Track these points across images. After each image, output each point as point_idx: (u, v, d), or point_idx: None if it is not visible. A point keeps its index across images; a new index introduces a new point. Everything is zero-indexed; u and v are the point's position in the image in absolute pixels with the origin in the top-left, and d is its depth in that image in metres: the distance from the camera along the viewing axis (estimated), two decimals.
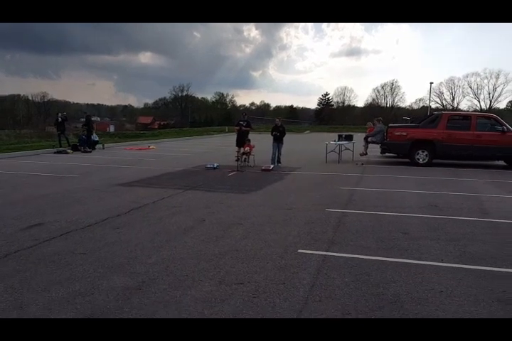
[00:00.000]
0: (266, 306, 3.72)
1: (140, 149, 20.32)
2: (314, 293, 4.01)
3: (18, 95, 76.22)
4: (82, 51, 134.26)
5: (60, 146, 18.79)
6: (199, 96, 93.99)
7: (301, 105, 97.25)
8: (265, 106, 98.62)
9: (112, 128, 64.27)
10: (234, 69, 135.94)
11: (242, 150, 13.86)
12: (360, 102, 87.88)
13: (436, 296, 4.00)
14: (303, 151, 19.68)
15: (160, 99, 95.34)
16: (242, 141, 14.06)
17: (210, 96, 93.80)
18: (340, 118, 70.16)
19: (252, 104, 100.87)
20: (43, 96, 79.50)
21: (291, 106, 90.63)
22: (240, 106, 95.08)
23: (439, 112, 15.61)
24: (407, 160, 14.69)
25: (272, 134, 14.51)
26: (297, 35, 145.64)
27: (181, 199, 8.33)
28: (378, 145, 15.58)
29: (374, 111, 67.26)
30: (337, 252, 5.21)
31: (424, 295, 4.02)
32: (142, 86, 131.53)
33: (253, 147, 14.32)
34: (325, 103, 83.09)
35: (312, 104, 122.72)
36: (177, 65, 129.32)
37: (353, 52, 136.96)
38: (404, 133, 14.21)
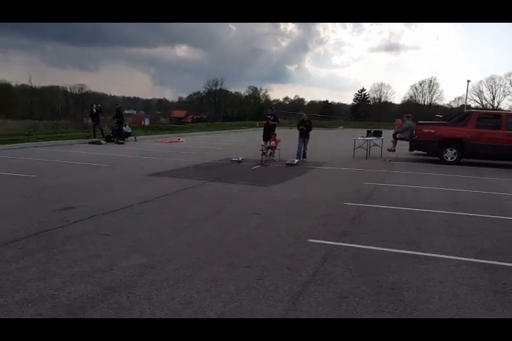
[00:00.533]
0: (268, 287, 3.96)
1: (170, 142, 20.85)
2: (316, 278, 4.22)
3: (58, 86, 78.58)
4: (120, 44, 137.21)
5: (95, 137, 19.53)
6: (233, 90, 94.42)
7: (336, 100, 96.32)
8: (299, 101, 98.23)
9: (146, 122, 65.43)
10: (269, 63, 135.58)
11: (267, 144, 14.08)
12: (397, 99, 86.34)
13: (434, 285, 4.13)
14: (332, 147, 19.72)
15: (194, 93, 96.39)
16: (268, 135, 14.27)
17: (243, 91, 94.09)
18: (376, 115, 69.15)
19: (286, 98, 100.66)
20: (81, 88, 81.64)
21: (326, 102, 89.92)
22: (274, 100, 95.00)
23: (469, 110, 15.36)
24: (436, 158, 14.55)
25: (298, 129, 14.67)
26: (335, 29, 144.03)
27: (203, 190, 8.66)
28: (407, 142, 15.47)
29: (411, 108, 66.02)
30: (347, 243, 5.37)
31: (423, 283, 4.17)
32: (178, 79, 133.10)
33: (279, 141, 14.51)
34: (361, 99, 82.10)
35: (348, 99, 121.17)
36: (212, 59, 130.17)
37: (391, 47, 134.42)
38: (433, 131, 14.08)
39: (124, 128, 20.95)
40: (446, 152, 14.05)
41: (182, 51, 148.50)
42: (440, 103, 75.78)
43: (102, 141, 18.68)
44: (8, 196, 7.54)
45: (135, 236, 5.42)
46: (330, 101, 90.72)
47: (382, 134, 16.23)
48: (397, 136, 15.38)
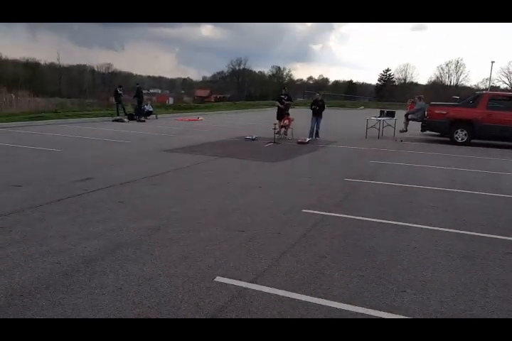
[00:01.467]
0: (257, 247, 4.48)
1: (190, 120, 21.41)
2: (301, 241, 4.72)
3: (84, 65, 79.76)
4: (145, 23, 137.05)
5: (118, 115, 20.23)
6: (256, 70, 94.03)
7: (361, 80, 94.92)
8: (324, 81, 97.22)
9: (171, 101, 65.84)
10: (293, 42, 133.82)
11: (281, 123, 14.46)
12: (422, 80, 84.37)
13: (408, 250, 4.58)
14: (347, 126, 19.95)
15: (218, 73, 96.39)
16: (282, 114, 14.63)
17: (267, 70, 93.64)
18: (401, 96, 67.94)
19: (310, 78, 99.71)
20: (108, 68, 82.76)
21: (351, 81, 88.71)
22: (298, 80, 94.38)
23: (481, 92, 15.33)
24: (448, 138, 14.69)
25: (311, 108, 14.98)
26: None
27: (214, 165, 9.20)
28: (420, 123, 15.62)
29: (437, 89, 64.64)
30: (337, 213, 5.84)
31: (398, 248, 4.62)
32: (202, 59, 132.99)
33: (292, 120, 14.86)
34: (386, 79, 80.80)
35: (373, 79, 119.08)
36: (237, 38, 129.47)
37: (418, 26, 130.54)
38: (444, 112, 14.19)
39: (145, 106, 21.62)
40: (456, 133, 14.18)
41: (207, 30, 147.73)
42: (467, 84, 73.75)
43: (125, 119, 19.38)
44: (35, 167, 8.24)
45: (145, 203, 6.01)
46: (354, 81, 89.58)
47: (396, 115, 16.36)
48: (409, 116, 15.52)
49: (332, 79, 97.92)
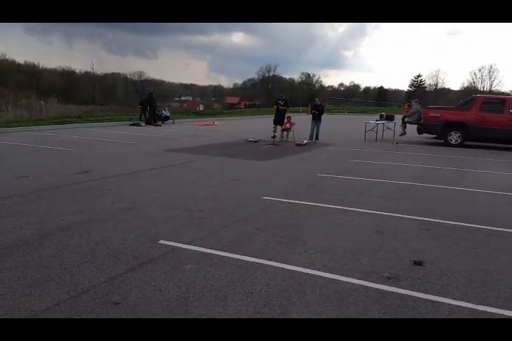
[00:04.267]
0: (206, 222, 5.39)
1: (205, 125, 22.56)
2: (246, 219, 5.60)
3: (118, 73, 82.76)
4: (177, 31, 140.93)
5: (140, 120, 21.46)
6: (287, 76, 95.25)
7: (393, 86, 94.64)
8: (354, 87, 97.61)
9: (201, 108, 67.38)
10: (325, 48, 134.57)
11: (279, 127, 15.31)
12: (454, 85, 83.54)
13: (330, 226, 5.40)
14: (352, 130, 20.57)
15: (249, 80, 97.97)
16: (279, 119, 15.46)
17: (297, 77, 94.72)
18: (433, 102, 67.41)
19: (341, 84, 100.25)
20: (140, 75, 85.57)
21: (381, 88, 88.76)
22: (328, 86, 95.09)
23: (475, 95, 15.78)
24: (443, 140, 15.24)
25: (311, 112, 15.82)
26: None
27: (206, 162, 10.18)
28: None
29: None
30: (290, 200, 6.68)
31: (322, 225, 5.44)
32: (233, 66, 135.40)
33: (293, 124, 15.73)
34: (417, 85, 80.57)
35: (405, 85, 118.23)
36: (268, 45, 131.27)
37: (451, 32, 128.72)
38: (438, 115, 14.75)
39: (163, 112, 22.96)
40: (450, 135, 14.72)
41: (238, 38, 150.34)
42: (501, 89, 72.45)
43: (142, 123, 20.70)
44: (46, 163, 9.44)
45: (129, 192, 7.03)
46: (386, 88, 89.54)
47: (395, 118, 16.97)
48: (405, 119, 16.13)
49: (363, 85, 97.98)
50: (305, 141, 14.50)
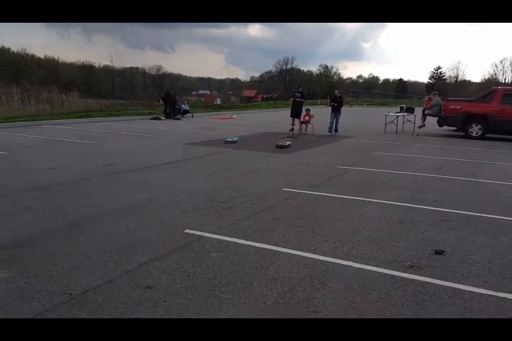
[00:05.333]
0: (228, 212, 5.54)
1: (223, 118, 22.71)
2: (268, 210, 5.73)
3: (137, 68, 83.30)
4: (195, 25, 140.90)
5: (164, 113, 21.66)
6: (304, 68, 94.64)
7: (412, 79, 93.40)
8: (373, 79, 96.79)
9: (218, 101, 67.41)
10: (343, 40, 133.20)
11: (297, 120, 15.33)
12: (475, 77, 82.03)
13: (351, 216, 5.49)
14: (371, 123, 20.50)
15: (266, 72, 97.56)
16: (296, 111, 15.46)
17: (315, 69, 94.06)
18: (453, 94, 66.40)
19: (360, 76, 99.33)
20: (158, 69, 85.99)
21: (401, 80, 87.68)
22: (347, 78, 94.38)
23: (496, 87, 15.55)
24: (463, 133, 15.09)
25: (330, 105, 15.81)
26: None
27: (226, 155, 10.32)
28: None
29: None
30: (310, 191, 6.78)
31: (343, 215, 5.54)
32: (250, 59, 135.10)
33: (312, 117, 15.75)
34: (437, 77, 79.38)
35: (424, 77, 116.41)
36: (285, 37, 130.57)
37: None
38: (459, 107, 14.61)
39: (182, 106, 23.20)
40: (471, 127, 14.57)
41: (255, 30, 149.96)
42: None
43: (162, 117, 20.96)
44: (72, 156, 9.71)
45: (152, 183, 7.22)
46: (405, 80, 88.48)
47: (415, 111, 16.85)
48: (426, 112, 15.99)
49: (382, 77, 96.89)
50: (288, 143, 12.16)
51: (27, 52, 65.31)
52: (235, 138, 12.56)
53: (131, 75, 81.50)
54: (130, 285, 3.49)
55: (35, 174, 7.66)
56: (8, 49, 63.18)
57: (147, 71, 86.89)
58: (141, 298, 3.28)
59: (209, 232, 4.77)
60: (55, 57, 69.52)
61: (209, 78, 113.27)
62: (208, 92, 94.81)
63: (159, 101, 22.60)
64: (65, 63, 69.69)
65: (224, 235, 4.69)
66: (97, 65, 75.58)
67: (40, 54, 74.86)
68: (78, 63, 72.64)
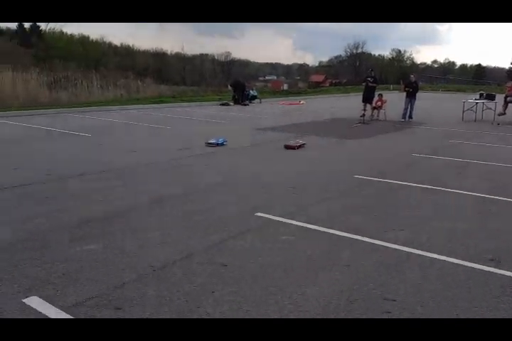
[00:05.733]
0: (298, 198, 5.59)
1: (291, 104, 22.61)
2: (339, 196, 5.71)
3: (207, 54, 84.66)
4: None
5: (233, 100, 22.01)
6: (375, 53, 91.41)
7: (492, 64, 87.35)
8: (449, 65, 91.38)
9: (285, 87, 66.92)
10: (417, 23, 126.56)
11: (368, 105, 14.90)
12: None
13: (427, 206, 5.32)
14: (448, 110, 19.43)
15: (336, 57, 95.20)
16: (368, 96, 15.00)
17: (387, 53, 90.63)
18: None
19: (435, 61, 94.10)
20: (227, 56, 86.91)
21: (479, 65, 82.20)
22: (421, 63, 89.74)
23: None
24: None
25: (404, 90, 15.20)
26: None
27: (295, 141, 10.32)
28: None
29: None
30: (383, 179, 6.61)
31: (418, 205, 5.38)
32: (319, 43, 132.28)
33: (385, 102, 15.25)
34: None
35: (506, 63, 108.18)
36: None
37: None
38: None
39: (250, 91, 23.37)
40: None
41: None
42: None
43: (230, 103, 21.28)
44: (150, 140, 10.20)
45: (225, 167, 7.44)
46: (484, 65, 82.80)
47: (496, 98, 15.72)
48: (508, 99, 14.88)
49: (459, 62, 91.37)
50: (301, 142, 9.63)
51: (104, 40, 68.50)
52: (220, 140, 9.48)
53: (200, 62, 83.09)
54: (206, 261, 3.65)
55: (118, 157, 8.13)
56: (88, 37, 66.65)
57: (216, 58, 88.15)
58: (217, 275, 3.42)
59: (280, 216, 4.83)
60: (130, 45, 72.34)
61: (276, 63, 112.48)
62: (275, 78, 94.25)
63: (227, 87, 22.95)
64: (139, 51, 72.36)
65: (294, 219, 4.73)
66: (169, 53, 77.69)
67: (116, 42, 78.28)
68: (152, 51, 75.11)
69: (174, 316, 2.84)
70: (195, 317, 2.83)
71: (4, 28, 50.37)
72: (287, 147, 9.11)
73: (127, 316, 2.84)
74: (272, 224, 4.60)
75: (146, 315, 2.84)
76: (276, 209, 5.09)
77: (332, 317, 2.87)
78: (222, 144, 9.33)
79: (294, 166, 7.48)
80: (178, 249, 3.91)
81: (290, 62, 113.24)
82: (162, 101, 20.27)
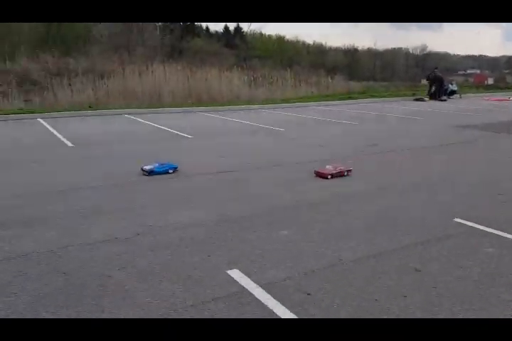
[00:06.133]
0: (506, 206, 4.91)
1: (498, 100, 20.06)
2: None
3: (400, 48, 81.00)
4: None
5: (428, 95, 20.69)
6: None
7: None
8: None
9: (490, 81, 60.23)
10: None
11: None
12: None
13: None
14: None
15: None
16: None
17: None
18: None
19: None
20: (422, 49, 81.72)
21: None
22: None
23: None
24: None
25: None
26: None
27: (499, 141, 9.21)
28: None
29: None
30: None
31: None
32: None
33: None
34: None
35: None
36: None
37: None
38: None
39: (449, 86, 21.58)
40: None
41: None
42: None
43: (425, 98, 19.99)
44: (337, 136, 10.27)
45: (419, 164, 7.01)
46: None
47: None
48: None
49: None
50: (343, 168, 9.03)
51: (298, 39, 71.27)
52: (153, 166, 6.35)
53: (392, 56, 79.90)
54: (396, 263, 3.49)
55: (305, 149, 8.41)
56: (283, 37, 70.20)
57: (410, 51, 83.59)
58: (411, 278, 3.24)
59: (484, 225, 4.31)
60: (323, 43, 73.73)
61: (480, 56, 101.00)
62: (478, 71, 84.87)
63: (423, 81, 21.47)
64: (331, 48, 73.24)
65: (502, 230, 4.17)
66: (360, 49, 76.81)
67: (309, 40, 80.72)
68: (343, 47, 75.28)
69: (357, 311, 2.80)
70: (390, 316, 2.73)
71: (213, 31, 56.30)
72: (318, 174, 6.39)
73: (317, 302, 2.91)
74: (473, 233, 4.15)
75: (335, 305, 2.88)
76: (479, 216, 4.57)
77: None
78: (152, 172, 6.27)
79: (500, 169, 6.62)
80: (367, 245, 3.83)
81: (497, 55, 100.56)
82: (350, 97, 20.19)
